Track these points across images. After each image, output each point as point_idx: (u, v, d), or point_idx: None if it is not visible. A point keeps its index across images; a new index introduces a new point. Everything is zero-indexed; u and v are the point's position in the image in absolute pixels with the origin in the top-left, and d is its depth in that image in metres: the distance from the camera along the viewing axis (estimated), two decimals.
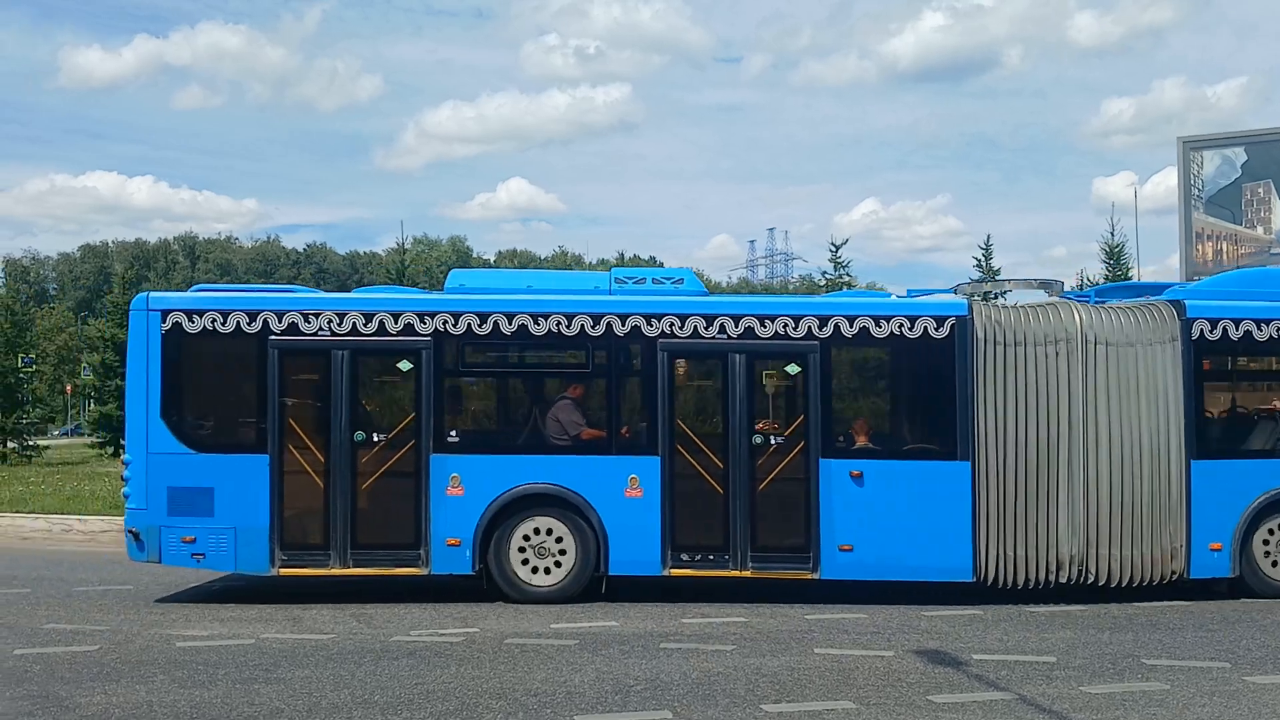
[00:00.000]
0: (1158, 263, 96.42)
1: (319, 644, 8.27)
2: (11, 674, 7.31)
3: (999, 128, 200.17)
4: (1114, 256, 27.15)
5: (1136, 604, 9.99)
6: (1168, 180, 49.01)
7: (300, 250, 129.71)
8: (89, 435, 39.38)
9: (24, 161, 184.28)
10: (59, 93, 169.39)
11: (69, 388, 67.49)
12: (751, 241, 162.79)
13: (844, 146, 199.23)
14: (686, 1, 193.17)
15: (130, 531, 9.99)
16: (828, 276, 31.87)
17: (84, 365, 38.24)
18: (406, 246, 49.41)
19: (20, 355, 41.99)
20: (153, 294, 10.33)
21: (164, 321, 10.11)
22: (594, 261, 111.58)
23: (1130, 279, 26.60)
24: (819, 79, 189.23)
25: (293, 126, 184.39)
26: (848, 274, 31.57)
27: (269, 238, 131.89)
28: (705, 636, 8.52)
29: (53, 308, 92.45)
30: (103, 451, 34.67)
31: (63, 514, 15.79)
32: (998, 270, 31.05)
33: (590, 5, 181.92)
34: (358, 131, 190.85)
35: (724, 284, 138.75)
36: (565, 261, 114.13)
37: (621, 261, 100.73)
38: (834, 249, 31.08)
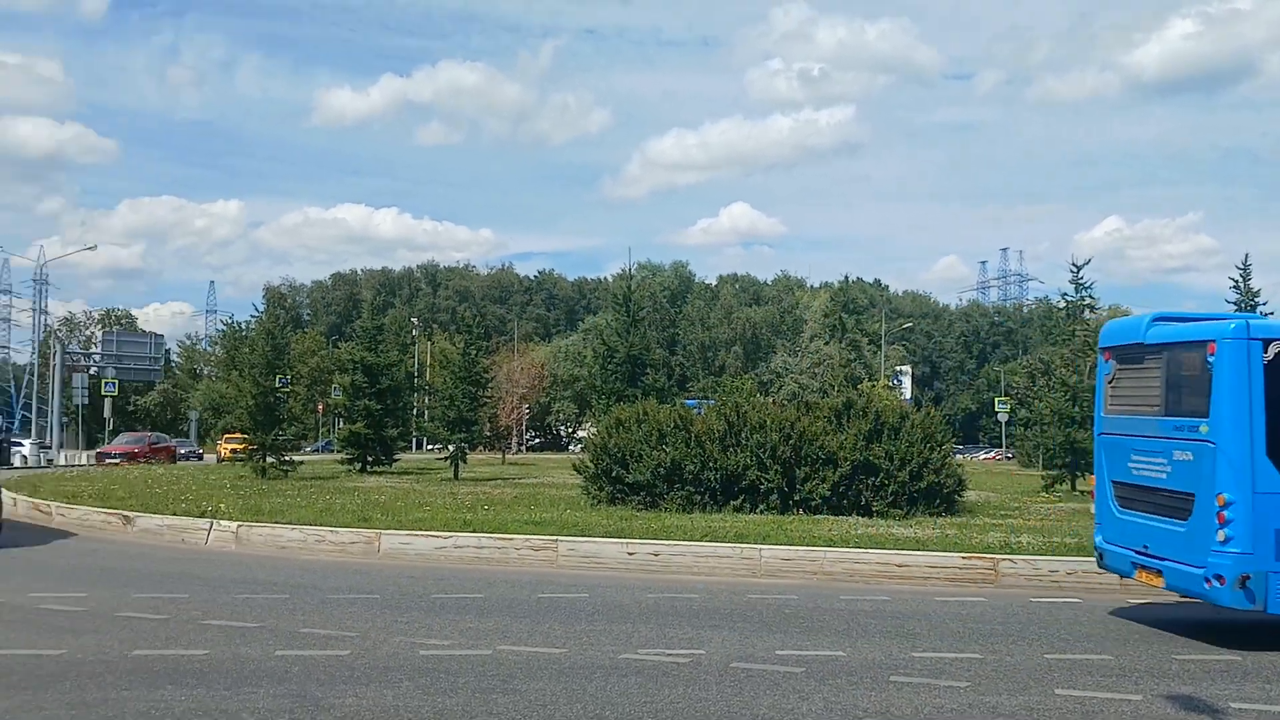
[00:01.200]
0: None
1: (552, 658, 8.52)
2: (273, 673, 7.87)
3: (1258, 140, 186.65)
4: None
5: None
6: None
7: (532, 277, 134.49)
8: (338, 451, 41.82)
9: (282, 196, 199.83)
10: (313, 131, 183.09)
11: (320, 406, 72.26)
12: (983, 262, 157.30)
13: (1083, 163, 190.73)
14: (915, 20, 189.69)
15: (1228, 578, 9.09)
16: (1068, 299, 30.45)
17: (334, 385, 40.76)
18: (632, 273, 50.42)
19: (278, 376, 45.26)
20: (1253, 321, 9.53)
21: (1266, 351, 9.27)
22: (816, 285, 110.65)
23: None
24: (1056, 94, 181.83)
25: (526, 159, 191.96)
26: (1090, 295, 30.11)
27: (503, 265, 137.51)
28: (937, 671, 8.27)
29: (306, 332, 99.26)
30: (351, 467, 36.72)
31: (315, 525, 16.80)
32: (1257, 292, 28.91)
33: (815, 28, 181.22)
34: (587, 162, 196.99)
35: (953, 306, 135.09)
36: (788, 285, 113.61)
37: (845, 284, 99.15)
38: (1075, 269, 29.71)
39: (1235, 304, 29.25)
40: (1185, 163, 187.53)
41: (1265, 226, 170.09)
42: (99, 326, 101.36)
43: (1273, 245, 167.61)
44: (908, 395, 75.46)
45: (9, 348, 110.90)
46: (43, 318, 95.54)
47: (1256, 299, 28.94)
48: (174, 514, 18.39)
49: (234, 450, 49.14)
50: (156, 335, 75.44)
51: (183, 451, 55.05)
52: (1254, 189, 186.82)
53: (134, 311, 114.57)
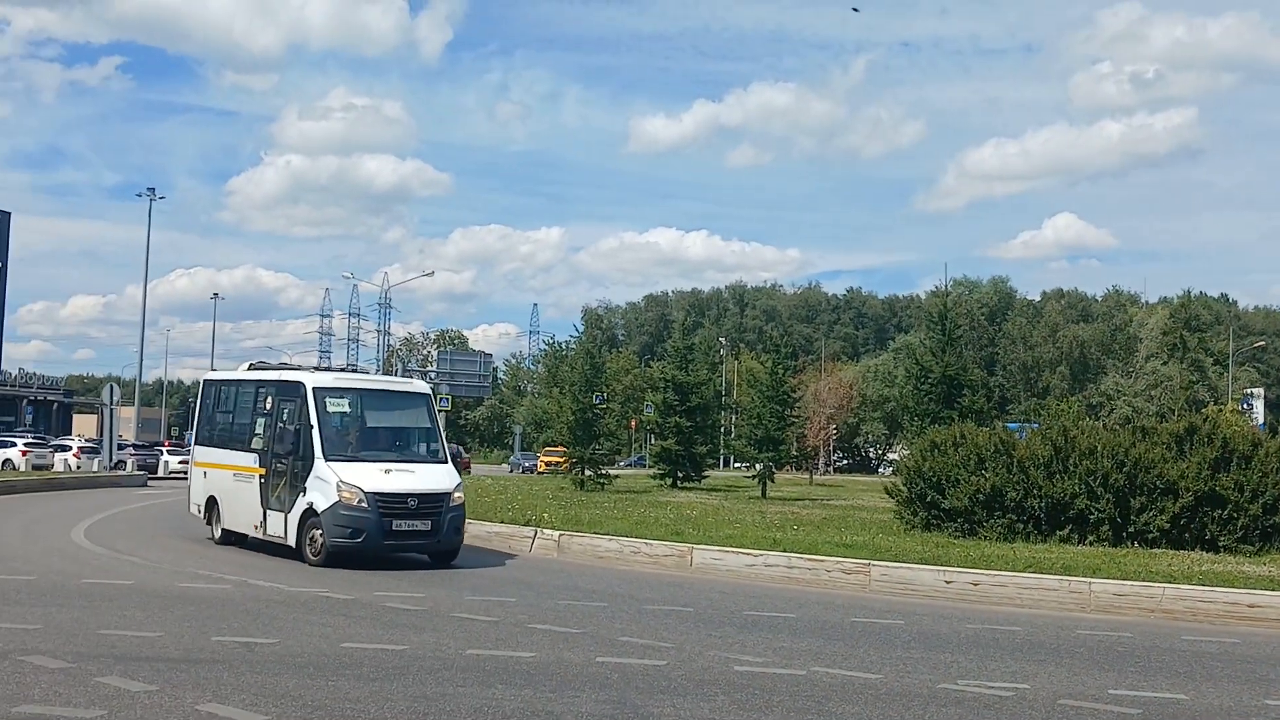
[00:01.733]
0: None
1: (867, 683, 8.34)
2: (595, 679, 8.17)
3: None
4: None
5: None
6: None
7: (840, 296, 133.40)
8: (650, 466, 43.04)
9: (600, 221, 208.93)
10: (629, 158, 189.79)
11: (633, 423, 74.71)
12: None
13: None
14: (1265, 14, 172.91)
15: None
16: None
17: (647, 403, 42.02)
18: (948, 289, 48.89)
19: (595, 394, 47.23)
20: None
21: None
22: (1152, 300, 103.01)
23: None
24: None
25: (836, 176, 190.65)
26: None
27: (810, 284, 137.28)
28: None
29: (621, 351, 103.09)
30: (663, 482, 37.65)
31: (630, 537, 17.34)
32: None
33: (1149, 28, 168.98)
34: (899, 177, 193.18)
35: None
36: (1119, 301, 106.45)
37: (1186, 299, 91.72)
38: None
39: None
40: None
41: None
42: (434, 346, 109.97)
43: None
44: (1260, 420, 68.66)
45: (358, 365, 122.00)
46: (386, 338, 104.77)
47: None
48: (501, 522, 19.54)
49: (549, 463, 51.73)
50: (485, 354, 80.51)
51: (525, 464, 60.26)
52: None
53: (465, 332, 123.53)
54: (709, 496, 34.12)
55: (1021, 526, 18.53)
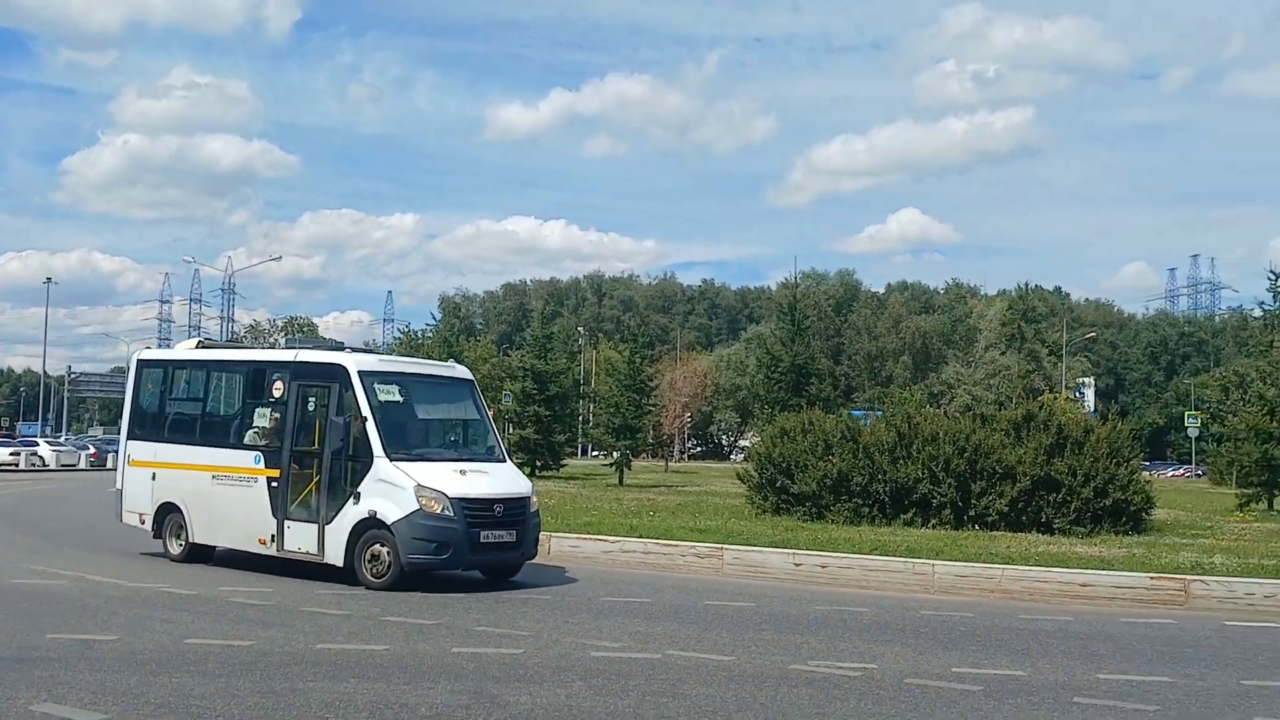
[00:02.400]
0: None
1: (721, 665, 8.48)
2: (450, 669, 8.07)
3: None
4: None
5: None
6: None
7: (694, 287, 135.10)
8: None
9: (457, 208, 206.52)
10: (486, 145, 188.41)
11: (492, 412, 74.22)
12: (1171, 270, 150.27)
13: None
14: (1096, 18, 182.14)
15: None
16: (1265, 308, 28.66)
17: (505, 392, 41.78)
18: (796, 282, 50.02)
19: None
20: None
21: None
22: (991, 293, 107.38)
23: None
24: (1251, 90, 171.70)
25: (691, 169, 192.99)
26: None
27: (666, 275, 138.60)
28: (1124, 694, 7.86)
29: (479, 340, 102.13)
30: (521, 471, 37.53)
31: None
32: None
33: (990, 28, 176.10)
34: (751, 171, 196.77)
35: (1139, 315, 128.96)
36: (960, 293, 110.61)
37: (1023, 292, 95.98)
38: (1273, 277, 27.87)
39: None
40: None
41: None
42: (282, 334, 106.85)
43: None
44: (1090, 408, 72.33)
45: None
46: (230, 325, 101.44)
47: None
48: None
49: None
50: (337, 342, 78.51)
51: None
52: None
53: (315, 319, 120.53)
54: (567, 485, 34.15)
55: (867, 510, 19.12)
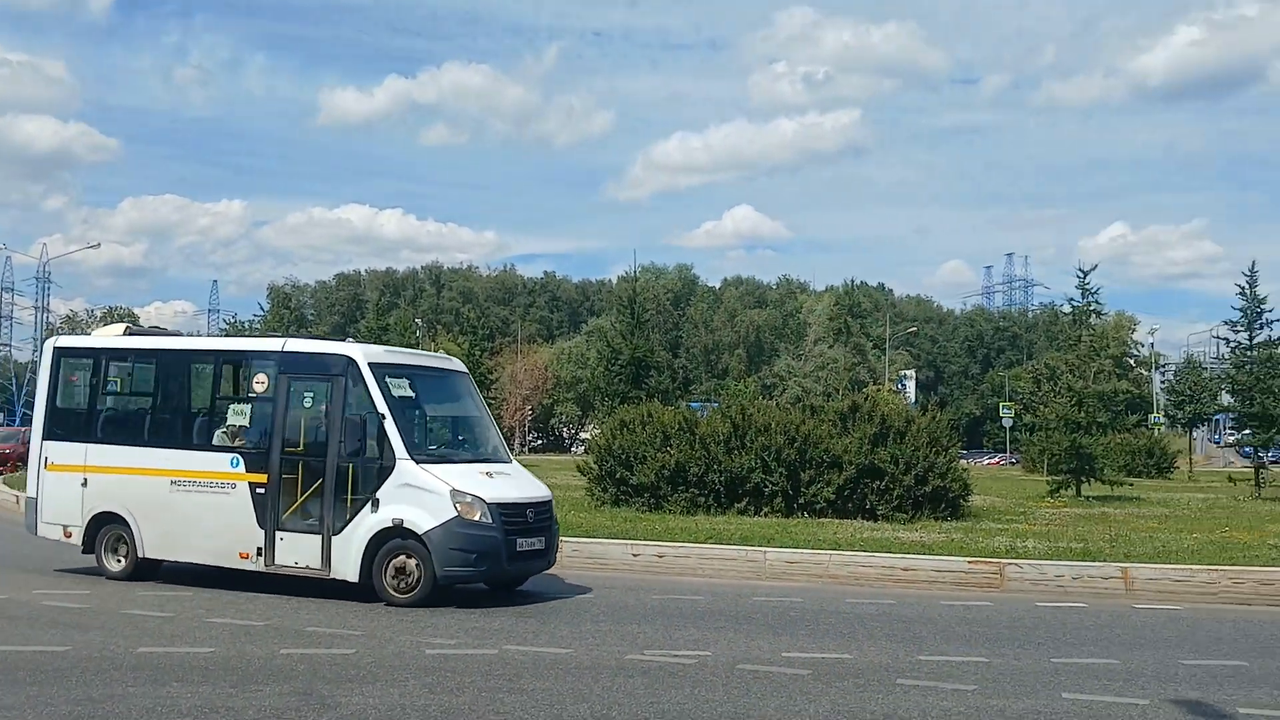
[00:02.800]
0: None
1: (558, 658, 8.50)
2: (279, 671, 7.85)
3: (1265, 146, 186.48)
4: None
5: None
6: None
7: (535, 279, 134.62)
8: None
9: (287, 196, 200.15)
10: (318, 131, 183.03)
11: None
12: (988, 267, 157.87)
13: (1089, 168, 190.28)
14: (921, 24, 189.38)
15: None
16: (1074, 304, 30.37)
17: None
18: (636, 275, 50.44)
19: None
20: None
21: None
22: (820, 288, 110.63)
23: None
24: (1062, 98, 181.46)
25: (531, 160, 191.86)
26: (1096, 301, 30.02)
27: (506, 267, 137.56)
28: (944, 674, 8.24)
29: (310, 332, 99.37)
30: None
31: None
32: (1264, 299, 28.78)
33: (820, 31, 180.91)
34: (590, 164, 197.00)
35: (958, 311, 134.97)
36: (791, 289, 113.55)
37: (850, 288, 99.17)
38: (1081, 274, 29.53)
39: (1241, 310, 29.14)
40: (1191, 169, 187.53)
41: (1272, 233, 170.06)
42: (101, 324, 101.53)
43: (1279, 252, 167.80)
44: (912, 399, 75.38)
45: (11, 345, 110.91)
46: (45, 315, 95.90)
47: (1263, 305, 28.81)
48: None
49: None
50: (324, 333, 74.98)
51: None
52: (1261, 195, 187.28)
53: (136, 310, 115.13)
54: None
55: (704, 500, 19.45)
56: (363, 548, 11.13)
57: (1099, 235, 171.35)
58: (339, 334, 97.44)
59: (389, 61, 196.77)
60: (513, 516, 11.38)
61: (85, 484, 12.84)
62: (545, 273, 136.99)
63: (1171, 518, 20.68)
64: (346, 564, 11.23)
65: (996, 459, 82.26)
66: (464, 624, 9.95)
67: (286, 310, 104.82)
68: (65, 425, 13.36)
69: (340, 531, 11.29)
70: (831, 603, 11.82)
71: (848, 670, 8.33)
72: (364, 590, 11.13)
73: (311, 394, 11.95)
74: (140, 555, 12.48)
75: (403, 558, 11.06)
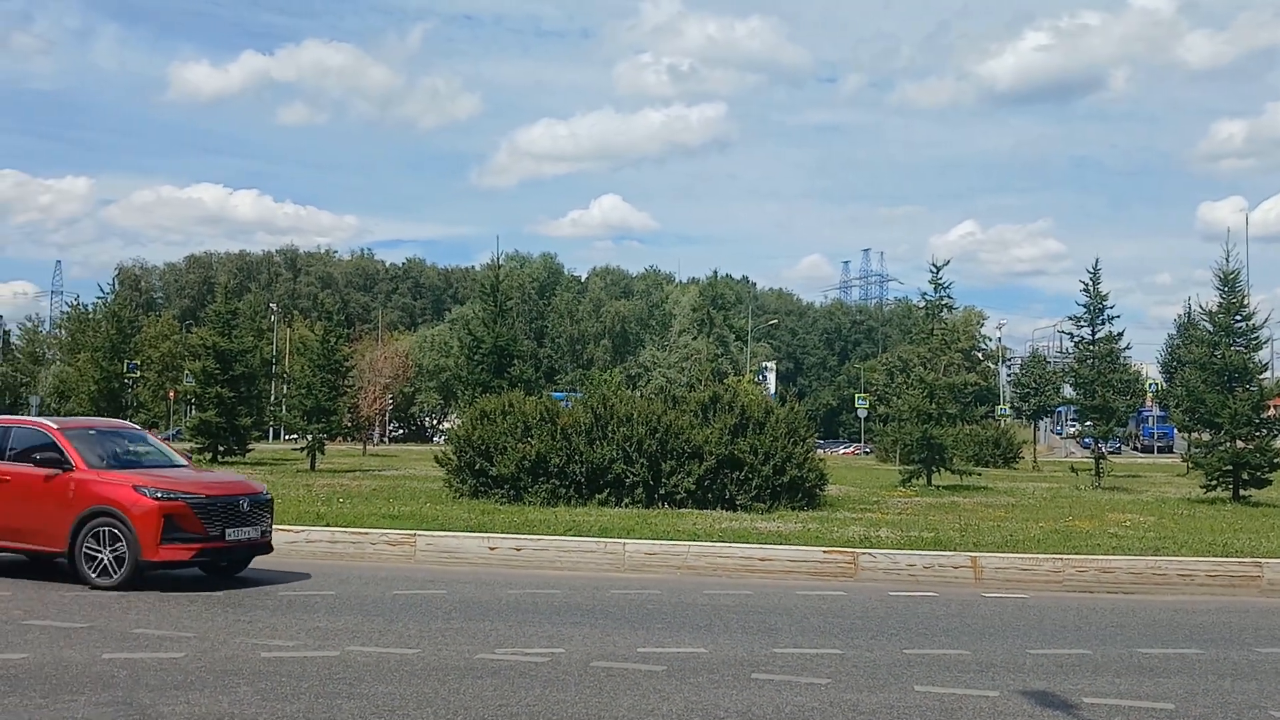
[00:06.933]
0: (1268, 290, 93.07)
1: (403, 659, 8.13)
2: (98, 678, 7.29)
3: (1107, 151, 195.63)
4: (1229, 284, 25.95)
5: (1259, 649, 9.39)
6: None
7: (397, 265, 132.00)
8: (189, 440, 40.24)
9: (135, 173, 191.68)
10: (169, 107, 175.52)
11: (171, 394, 69.48)
12: (845, 262, 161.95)
13: (941, 168, 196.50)
14: (784, 20, 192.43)
15: None
16: (927, 299, 31.12)
17: (186, 372, 39.13)
18: (500, 263, 49.83)
19: (126, 361, 43.15)
20: None
21: None
22: (685, 280, 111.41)
23: (1246, 307, 25.29)
24: (915, 100, 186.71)
25: (394, 144, 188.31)
26: (948, 296, 30.82)
27: (365, 252, 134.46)
28: (799, 668, 8.17)
29: (159, 316, 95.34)
30: (200, 457, 35.28)
31: None
32: (1105, 295, 29.97)
33: (684, 23, 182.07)
34: (455, 150, 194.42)
35: (817, 304, 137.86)
36: (657, 280, 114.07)
37: (713, 280, 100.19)
38: (934, 270, 30.27)
39: (1085, 307, 30.25)
40: (1037, 171, 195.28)
41: (1113, 234, 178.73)
42: None
43: (1120, 252, 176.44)
44: (772, 391, 76.56)
45: None
46: None
47: (1105, 302, 29.98)
48: None
49: None
50: None
51: None
52: (1102, 197, 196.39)
53: None
54: (253, 471, 32.33)
55: (565, 491, 19.22)
56: None
57: (949, 233, 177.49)
58: (187, 318, 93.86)
59: (245, 37, 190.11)
60: None
61: None
62: (408, 259, 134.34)
63: (1018, 507, 21.33)
64: None
65: (852, 448, 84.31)
66: (305, 625, 9.47)
67: (136, 292, 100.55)
68: None
69: None
70: (690, 594, 11.71)
71: (703, 665, 8.19)
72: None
73: None
74: None
75: None
